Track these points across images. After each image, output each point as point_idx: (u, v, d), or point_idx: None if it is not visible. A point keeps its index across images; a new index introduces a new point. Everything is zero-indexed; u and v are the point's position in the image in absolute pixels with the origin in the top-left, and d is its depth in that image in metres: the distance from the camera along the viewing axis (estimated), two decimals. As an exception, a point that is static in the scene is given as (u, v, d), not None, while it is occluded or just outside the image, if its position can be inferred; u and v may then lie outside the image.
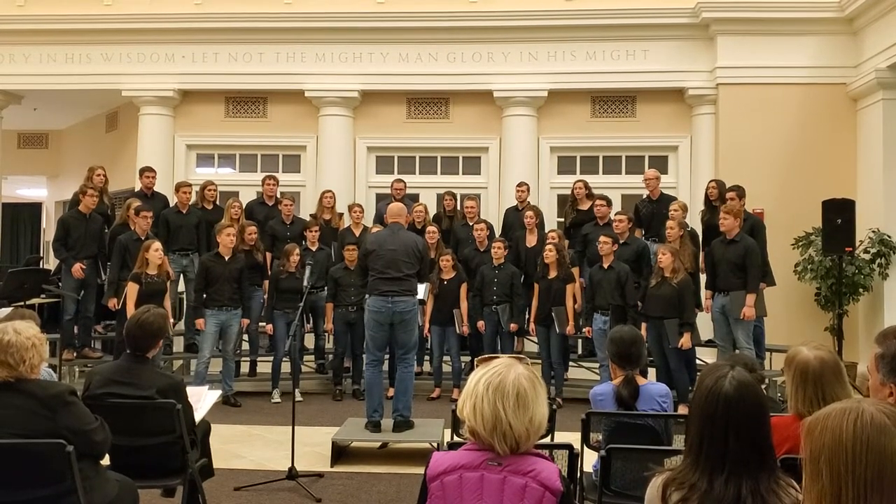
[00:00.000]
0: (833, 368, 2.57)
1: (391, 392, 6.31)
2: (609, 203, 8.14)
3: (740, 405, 1.81)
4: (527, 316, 7.84)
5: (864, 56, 8.89)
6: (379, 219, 8.62)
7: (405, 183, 9.02)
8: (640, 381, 3.71)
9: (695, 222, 8.47)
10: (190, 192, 8.44)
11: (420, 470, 2.12)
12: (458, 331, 7.73)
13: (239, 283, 7.40)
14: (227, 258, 7.37)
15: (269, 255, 8.29)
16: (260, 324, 8.08)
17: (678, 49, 9.63)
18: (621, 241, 7.53)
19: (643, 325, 6.89)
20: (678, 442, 3.46)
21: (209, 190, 8.69)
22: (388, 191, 9.35)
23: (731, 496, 1.75)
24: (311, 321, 8.18)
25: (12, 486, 2.90)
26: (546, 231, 8.38)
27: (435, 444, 5.58)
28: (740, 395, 1.82)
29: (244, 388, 7.95)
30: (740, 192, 7.63)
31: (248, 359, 8.53)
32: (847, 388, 2.59)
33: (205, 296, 7.33)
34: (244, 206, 8.73)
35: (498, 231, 8.82)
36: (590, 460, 3.76)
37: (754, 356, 6.69)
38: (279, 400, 7.57)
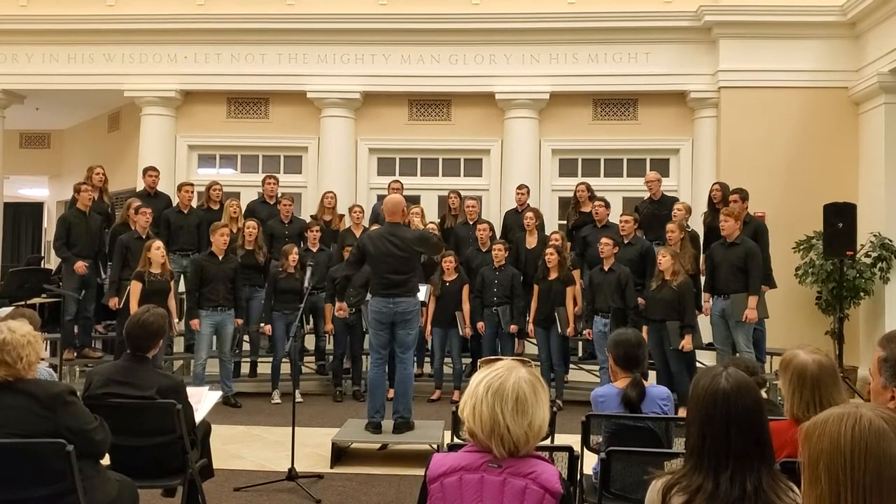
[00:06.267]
0: (830, 372, 2.58)
1: (391, 394, 6.32)
2: (608, 206, 8.15)
3: (739, 400, 1.84)
4: (527, 318, 7.84)
5: (867, 60, 8.89)
6: (375, 218, 8.62)
7: (402, 184, 9.02)
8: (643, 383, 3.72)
9: (697, 225, 8.48)
10: (192, 193, 8.46)
11: (420, 471, 2.12)
12: (460, 333, 7.74)
13: (233, 284, 7.40)
14: (220, 258, 7.37)
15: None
16: (259, 325, 8.09)
17: (680, 52, 9.63)
18: (626, 242, 7.53)
19: (644, 329, 6.89)
20: (678, 445, 3.46)
21: (215, 190, 8.71)
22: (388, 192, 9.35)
23: (737, 494, 1.76)
24: (312, 322, 8.18)
25: (12, 485, 2.91)
26: (547, 233, 8.39)
27: (435, 446, 5.59)
28: (738, 390, 1.86)
29: (244, 388, 7.95)
30: (744, 194, 7.63)
31: (248, 359, 8.53)
32: (843, 393, 2.60)
33: (199, 296, 7.31)
34: (246, 206, 8.77)
35: (498, 233, 8.81)
36: (590, 462, 3.76)
37: (754, 359, 6.68)
38: (279, 401, 7.58)
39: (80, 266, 7.67)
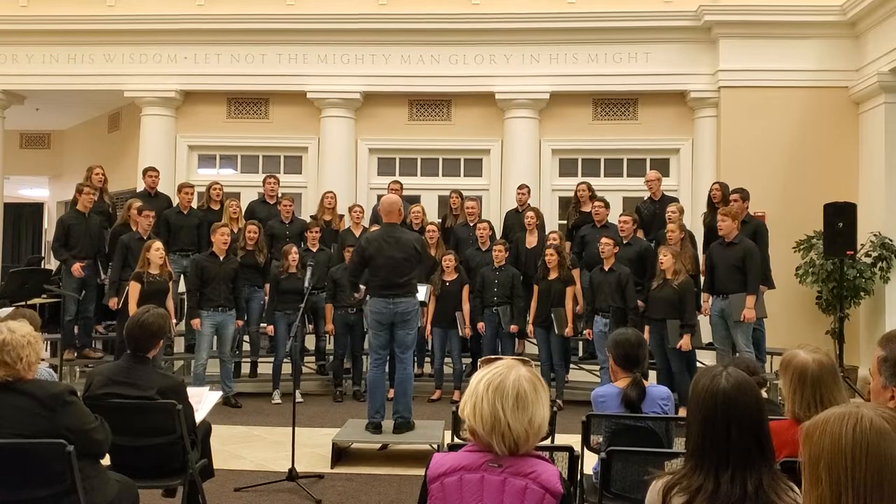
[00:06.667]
0: (831, 371, 2.59)
1: (391, 394, 6.32)
2: (607, 206, 8.15)
3: (739, 400, 1.85)
4: (527, 318, 7.83)
5: (867, 59, 8.89)
6: (375, 219, 8.63)
7: (401, 185, 9.02)
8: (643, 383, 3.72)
9: (697, 224, 8.47)
10: (192, 194, 8.46)
11: (420, 471, 2.12)
12: (460, 333, 7.74)
13: (234, 284, 7.40)
14: (221, 258, 7.37)
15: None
16: (261, 325, 8.09)
17: (680, 52, 9.63)
18: (625, 242, 7.53)
19: (646, 328, 6.89)
20: (679, 445, 3.46)
21: (215, 190, 8.71)
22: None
23: (738, 494, 1.76)
24: (313, 322, 8.17)
25: (12, 485, 2.90)
26: (547, 232, 8.38)
27: (435, 446, 5.59)
28: (738, 390, 1.86)
29: (245, 388, 7.95)
30: (744, 194, 7.63)
31: (248, 360, 8.53)
32: (843, 392, 2.60)
33: (200, 296, 7.31)
34: (246, 207, 8.77)
35: (498, 233, 8.82)
36: (590, 462, 3.76)
37: (754, 359, 6.68)
38: (280, 401, 7.57)
39: (77, 269, 7.67)
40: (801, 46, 9.25)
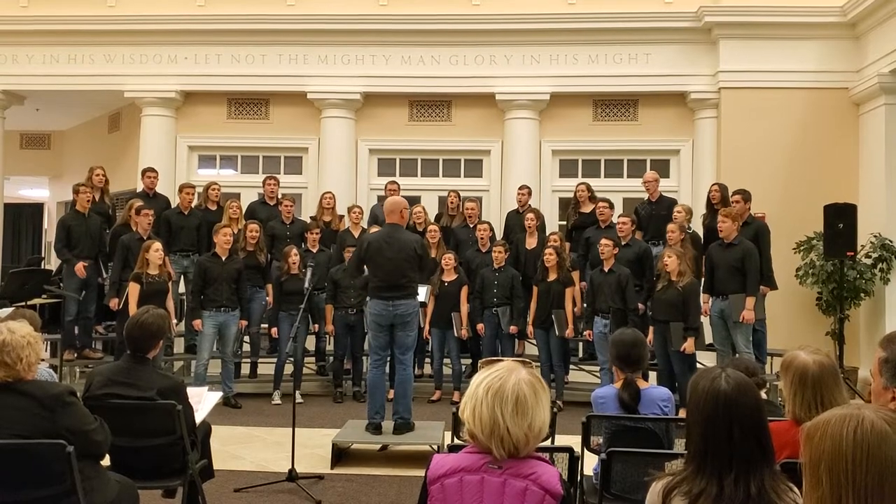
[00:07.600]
0: (831, 373, 2.59)
1: (391, 394, 6.32)
2: (611, 206, 8.15)
3: (740, 401, 1.84)
4: (527, 319, 7.83)
5: (867, 61, 8.89)
6: (374, 220, 8.62)
7: (398, 185, 9.02)
8: (642, 384, 3.71)
9: (696, 225, 8.46)
10: (193, 194, 8.46)
11: (420, 472, 2.12)
12: (456, 334, 7.73)
13: (237, 284, 7.40)
14: (224, 258, 7.37)
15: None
16: (263, 325, 8.07)
17: (680, 53, 9.63)
18: (623, 243, 7.53)
19: (650, 329, 6.89)
20: (679, 445, 3.46)
21: (213, 190, 8.71)
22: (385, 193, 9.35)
23: (741, 496, 1.76)
24: (317, 323, 8.15)
25: (12, 486, 2.90)
26: (547, 234, 8.38)
27: (435, 447, 5.59)
28: (738, 391, 1.86)
29: (245, 389, 7.95)
30: (746, 195, 7.62)
31: (248, 360, 8.53)
32: (844, 393, 2.60)
33: (203, 297, 7.32)
34: (247, 207, 8.76)
35: (499, 234, 8.81)
36: (590, 463, 3.76)
37: (754, 360, 6.68)
38: (279, 402, 7.57)
39: (80, 268, 7.67)
40: (802, 48, 9.25)
